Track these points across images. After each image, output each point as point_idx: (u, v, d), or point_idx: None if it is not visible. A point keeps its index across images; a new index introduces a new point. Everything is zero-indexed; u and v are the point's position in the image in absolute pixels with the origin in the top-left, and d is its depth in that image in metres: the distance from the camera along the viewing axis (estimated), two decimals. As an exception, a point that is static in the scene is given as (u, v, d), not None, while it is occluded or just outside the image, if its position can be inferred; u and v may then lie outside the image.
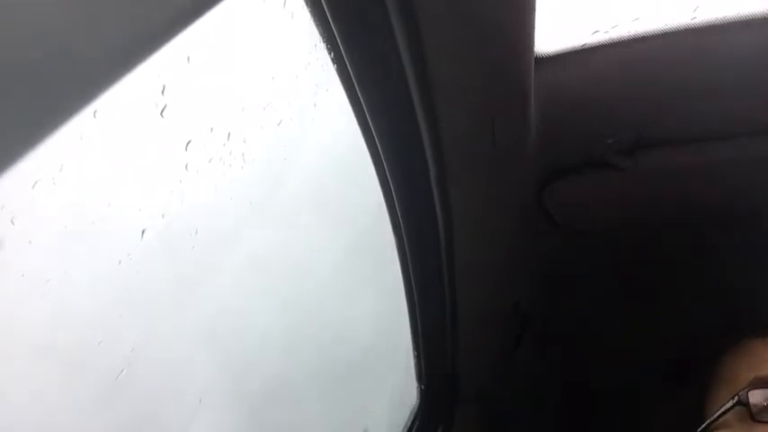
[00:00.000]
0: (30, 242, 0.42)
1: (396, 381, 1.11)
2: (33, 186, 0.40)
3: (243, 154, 0.58)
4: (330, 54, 0.60)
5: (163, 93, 0.47)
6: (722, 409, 0.67)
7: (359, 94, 0.63)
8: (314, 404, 0.89)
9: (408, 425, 1.10)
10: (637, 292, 1.14)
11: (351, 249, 0.86)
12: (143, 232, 0.51)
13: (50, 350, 0.48)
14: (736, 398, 0.66)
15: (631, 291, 1.14)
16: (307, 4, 0.55)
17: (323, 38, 0.58)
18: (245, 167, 0.59)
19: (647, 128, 0.85)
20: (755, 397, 0.65)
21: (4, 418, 0.45)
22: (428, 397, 1.11)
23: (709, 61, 0.78)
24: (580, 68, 0.78)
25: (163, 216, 0.53)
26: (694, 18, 0.74)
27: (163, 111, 0.48)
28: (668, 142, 0.87)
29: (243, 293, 0.68)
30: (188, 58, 0.47)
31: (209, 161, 0.55)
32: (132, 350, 0.54)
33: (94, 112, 0.40)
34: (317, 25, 0.57)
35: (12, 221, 0.40)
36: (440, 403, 1.14)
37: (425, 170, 0.74)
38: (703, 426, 0.69)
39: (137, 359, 0.55)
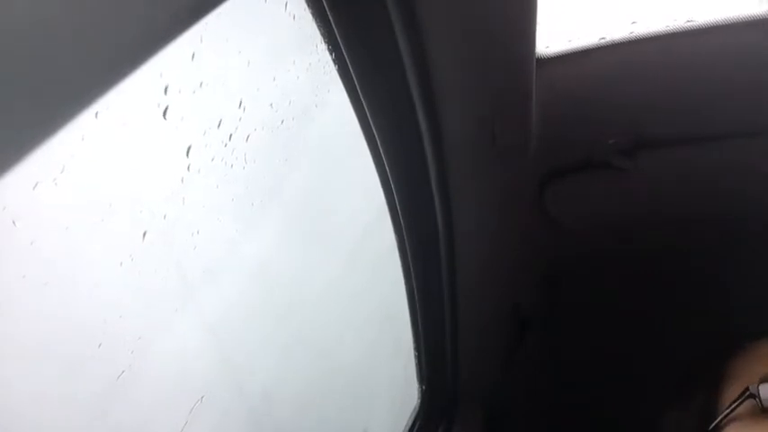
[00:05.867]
0: (31, 243, 0.42)
1: (396, 381, 1.11)
2: (35, 187, 0.40)
3: (245, 154, 0.58)
4: (331, 55, 0.60)
5: (165, 93, 0.47)
6: (733, 403, 0.67)
7: (360, 95, 0.63)
8: (314, 405, 0.89)
9: (409, 426, 1.10)
10: (637, 293, 1.14)
11: (352, 249, 0.86)
12: (144, 233, 0.51)
13: (51, 351, 0.48)
14: (747, 391, 0.66)
15: (632, 291, 1.14)
16: (308, 4, 0.55)
17: (324, 38, 0.58)
18: (247, 168, 0.59)
19: (648, 128, 0.85)
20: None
21: (4, 419, 0.45)
22: (429, 398, 1.11)
23: (708, 62, 0.78)
24: (581, 69, 0.78)
25: (164, 217, 0.53)
26: (693, 21, 0.75)
27: (165, 111, 0.48)
28: (668, 142, 0.87)
29: (244, 294, 0.67)
30: (191, 57, 0.47)
31: (212, 161, 0.55)
32: (133, 352, 0.54)
33: (96, 112, 0.39)
34: (319, 26, 0.57)
35: (13, 222, 0.40)
36: (440, 404, 1.14)
37: (426, 170, 0.74)
38: (716, 422, 0.69)
39: (137, 360, 0.54)
